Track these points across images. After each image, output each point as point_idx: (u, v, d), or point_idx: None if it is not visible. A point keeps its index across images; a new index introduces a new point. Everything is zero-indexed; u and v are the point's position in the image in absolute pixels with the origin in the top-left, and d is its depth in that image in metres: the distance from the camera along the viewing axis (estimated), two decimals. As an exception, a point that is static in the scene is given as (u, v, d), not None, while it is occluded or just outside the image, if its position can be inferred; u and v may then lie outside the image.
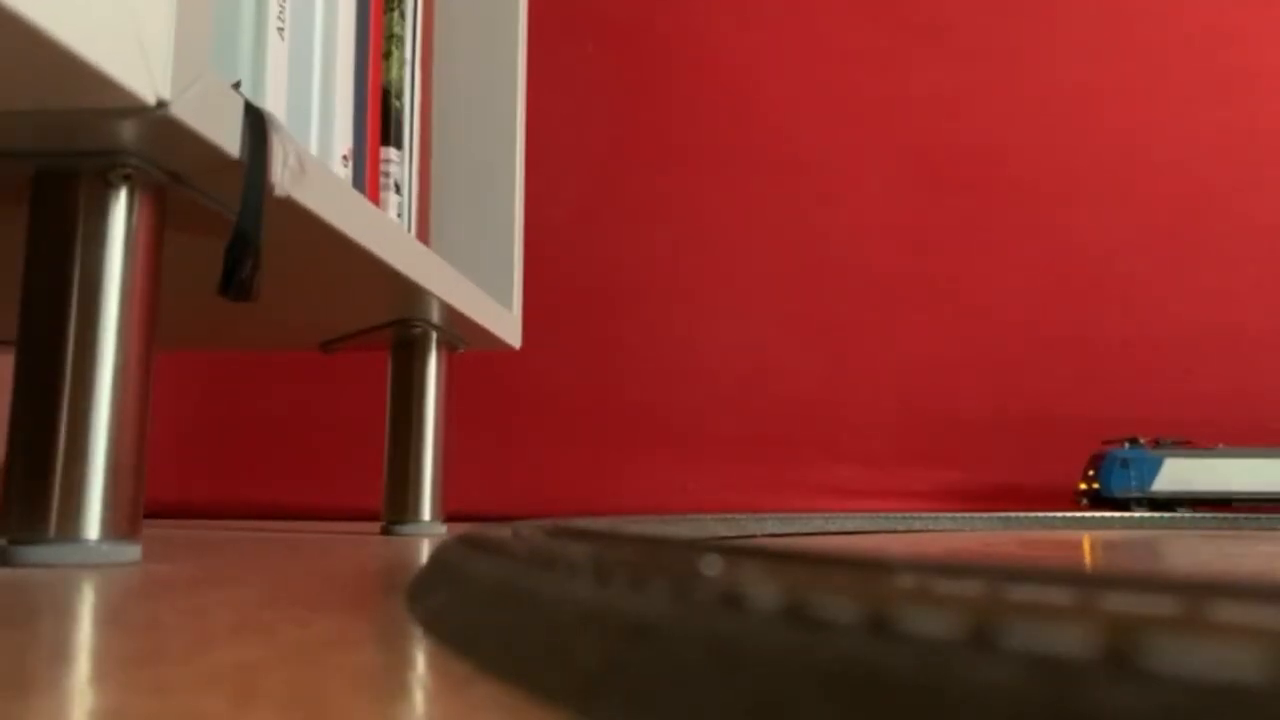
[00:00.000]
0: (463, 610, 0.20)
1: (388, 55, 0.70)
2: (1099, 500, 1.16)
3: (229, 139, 0.39)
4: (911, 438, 1.22)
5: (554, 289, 1.23)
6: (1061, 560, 0.49)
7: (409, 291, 0.65)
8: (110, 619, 0.22)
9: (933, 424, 1.21)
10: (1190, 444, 1.19)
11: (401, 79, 0.72)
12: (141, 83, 0.34)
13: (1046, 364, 1.24)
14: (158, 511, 1.13)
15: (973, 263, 1.26)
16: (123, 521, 0.38)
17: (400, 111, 0.71)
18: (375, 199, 0.68)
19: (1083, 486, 1.18)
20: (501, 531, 0.29)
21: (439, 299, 0.67)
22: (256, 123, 0.41)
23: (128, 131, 0.37)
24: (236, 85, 0.49)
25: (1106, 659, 0.08)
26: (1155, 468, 1.16)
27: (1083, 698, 0.08)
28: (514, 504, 1.15)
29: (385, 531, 0.75)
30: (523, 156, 0.91)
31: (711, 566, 0.14)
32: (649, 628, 0.13)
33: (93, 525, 0.37)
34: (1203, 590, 0.10)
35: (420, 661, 0.17)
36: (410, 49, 0.74)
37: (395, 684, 0.15)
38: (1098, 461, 1.18)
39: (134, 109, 0.35)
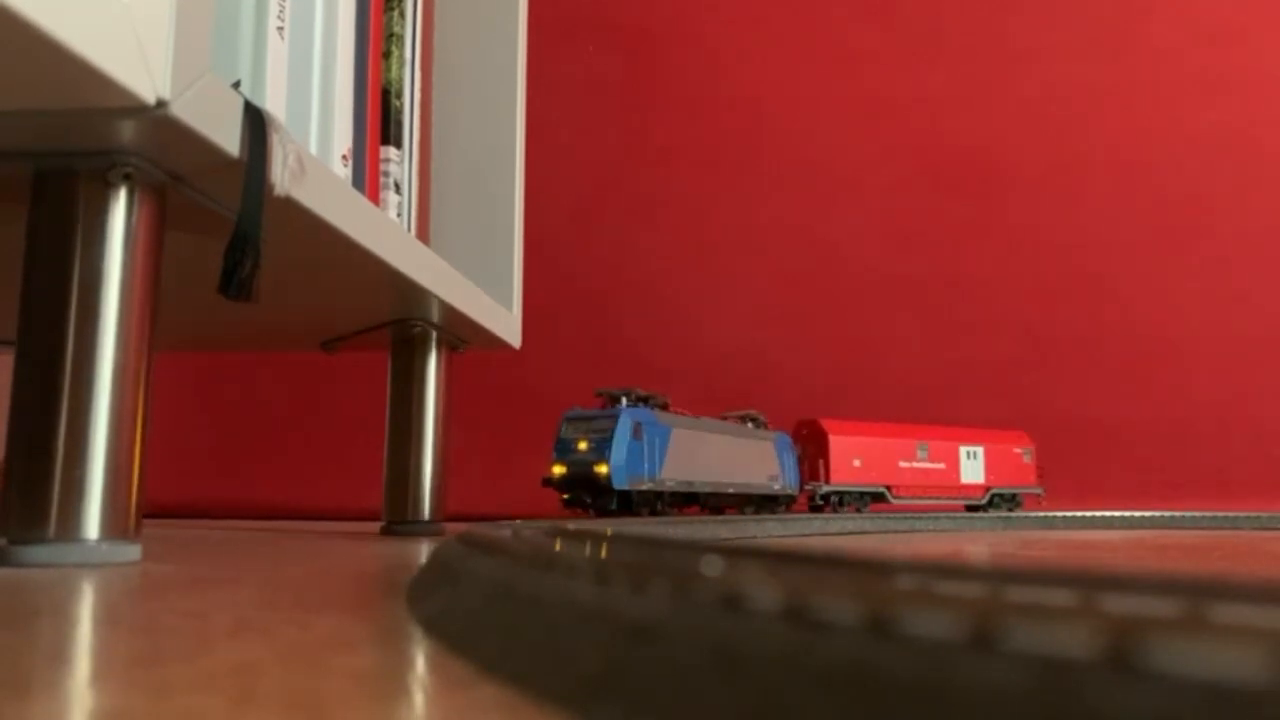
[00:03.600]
0: (463, 611, 0.20)
1: (387, 55, 0.70)
2: (599, 493, 0.74)
3: (229, 139, 0.39)
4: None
5: (554, 289, 1.23)
6: (1061, 561, 0.49)
7: (409, 291, 0.65)
8: (110, 619, 0.22)
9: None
10: (669, 408, 0.81)
11: (401, 78, 0.72)
12: (141, 82, 0.34)
13: (1046, 363, 1.24)
14: (158, 511, 1.13)
15: (973, 263, 1.26)
16: (122, 521, 0.38)
17: (400, 111, 0.71)
18: (375, 199, 0.68)
19: (559, 470, 0.76)
20: (501, 532, 0.29)
21: (439, 299, 0.67)
22: (256, 122, 0.41)
23: (127, 131, 0.37)
24: (236, 85, 0.49)
25: (1108, 660, 0.08)
26: (665, 441, 0.76)
27: (1084, 699, 0.08)
28: (514, 504, 1.15)
29: (385, 531, 0.75)
30: (523, 156, 0.91)
31: (712, 567, 0.14)
32: (649, 629, 0.13)
33: (92, 525, 0.37)
34: (1203, 591, 0.10)
35: (420, 663, 0.17)
36: (410, 49, 0.73)
37: (395, 685, 0.15)
38: (596, 431, 0.74)
39: (134, 109, 0.35)
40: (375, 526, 0.81)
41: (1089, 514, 1.01)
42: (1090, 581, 0.11)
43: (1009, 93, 1.29)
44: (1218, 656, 0.08)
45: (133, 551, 0.39)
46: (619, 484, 0.72)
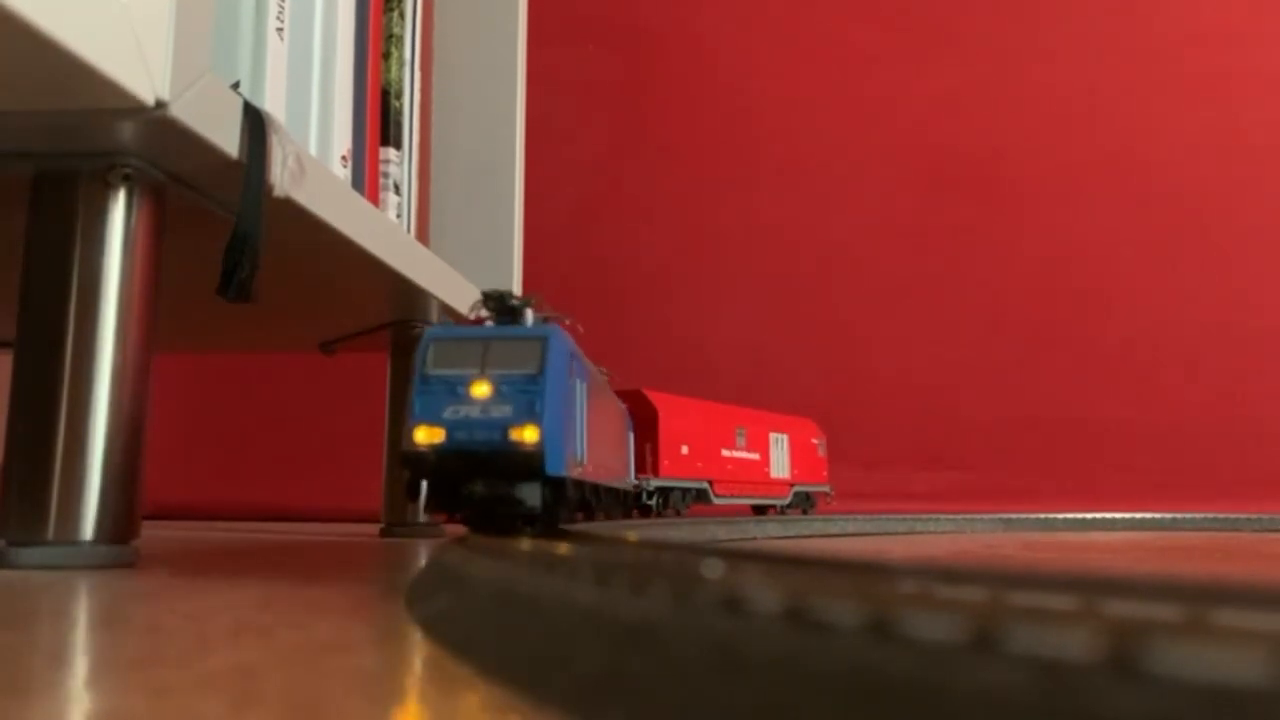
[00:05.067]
0: (463, 613, 0.20)
1: (387, 55, 0.70)
2: (522, 483, 0.33)
3: (228, 139, 0.39)
4: (912, 438, 1.22)
5: (554, 289, 1.23)
6: (1063, 563, 0.49)
7: (409, 292, 0.65)
8: (108, 621, 0.22)
9: (933, 424, 1.21)
10: (565, 322, 0.44)
11: (401, 79, 0.72)
12: (141, 83, 0.34)
13: (1046, 363, 1.24)
14: (157, 512, 1.13)
15: (973, 263, 1.26)
16: (121, 523, 0.38)
17: (400, 112, 0.71)
18: (374, 199, 0.68)
19: (428, 437, 0.33)
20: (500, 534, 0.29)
21: (439, 299, 0.67)
22: (256, 123, 0.41)
23: (127, 132, 0.37)
24: (236, 86, 0.49)
25: (1109, 663, 0.08)
26: (585, 398, 0.46)
27: (1085, 702, 0.08)
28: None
29: (385, 533, 0.75)
30: (523, 156, 0.91)
31: (712, 569, 0.14)
32: (650, 630, 0.13)
33: (91, 527, 0.37)
34: (1204, 595, 0.10)
35: (419, 664, 0.17)
36: (410, 49, 0.73)
37: (394, 687, 0.15)
38: (507, 365, 0.35)
39: (133, 110, 0.35)
40: (375, 528, 0.81)
41: (1090, 516, 1.01)
42: (1091, 585, 0.11)
43: (1009, 93, 1.29)
44: (1219, 659, 0.08)
45: (131, 553, 0.39)
46: (554, 468, 0.35)
